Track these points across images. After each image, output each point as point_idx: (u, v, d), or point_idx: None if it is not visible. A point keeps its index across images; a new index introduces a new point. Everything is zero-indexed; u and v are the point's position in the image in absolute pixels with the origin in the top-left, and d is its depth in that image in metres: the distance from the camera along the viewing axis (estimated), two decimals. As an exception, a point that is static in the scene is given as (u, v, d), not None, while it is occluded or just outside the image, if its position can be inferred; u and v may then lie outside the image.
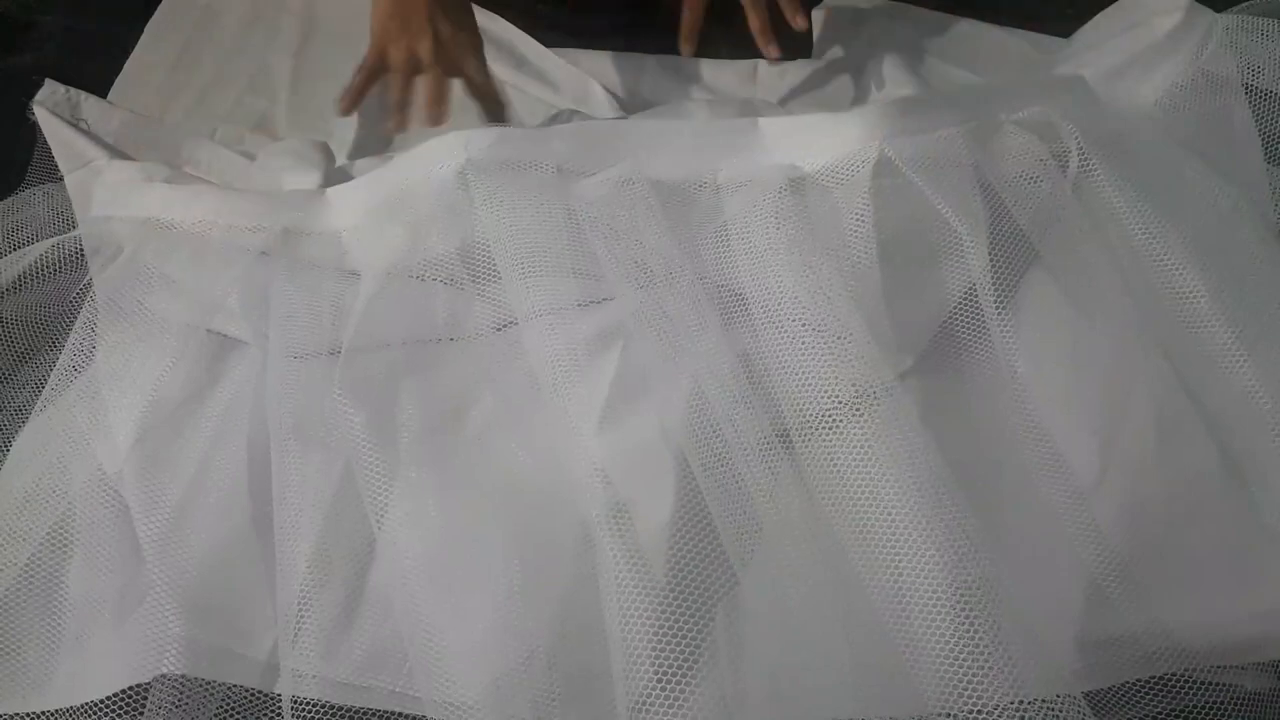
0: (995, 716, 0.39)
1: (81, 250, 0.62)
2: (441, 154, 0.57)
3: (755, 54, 0.75)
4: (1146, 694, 0.45)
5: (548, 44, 0.80)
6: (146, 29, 0.85)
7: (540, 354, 0.51)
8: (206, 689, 0.48)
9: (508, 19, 0.82)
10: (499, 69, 0.81)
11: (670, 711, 0.41)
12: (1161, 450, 0.47)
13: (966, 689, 0.39)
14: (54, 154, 0.70)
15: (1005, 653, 0.40)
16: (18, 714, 0.48)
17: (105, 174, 0.67)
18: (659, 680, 0.42)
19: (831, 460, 0.46)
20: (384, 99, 0.80)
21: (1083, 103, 0.58)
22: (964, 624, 0.40)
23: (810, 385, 0.47)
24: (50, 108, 0.73)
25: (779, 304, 0.50)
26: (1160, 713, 0.45)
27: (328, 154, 0.69)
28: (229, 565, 0.50)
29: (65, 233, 0.64)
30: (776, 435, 0.47)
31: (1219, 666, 0.45)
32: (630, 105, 0.77)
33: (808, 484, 0.46)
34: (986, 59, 0.77)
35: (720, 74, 0.79)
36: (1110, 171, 0.53)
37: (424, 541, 0.47)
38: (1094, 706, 0.42)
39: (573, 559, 0.47)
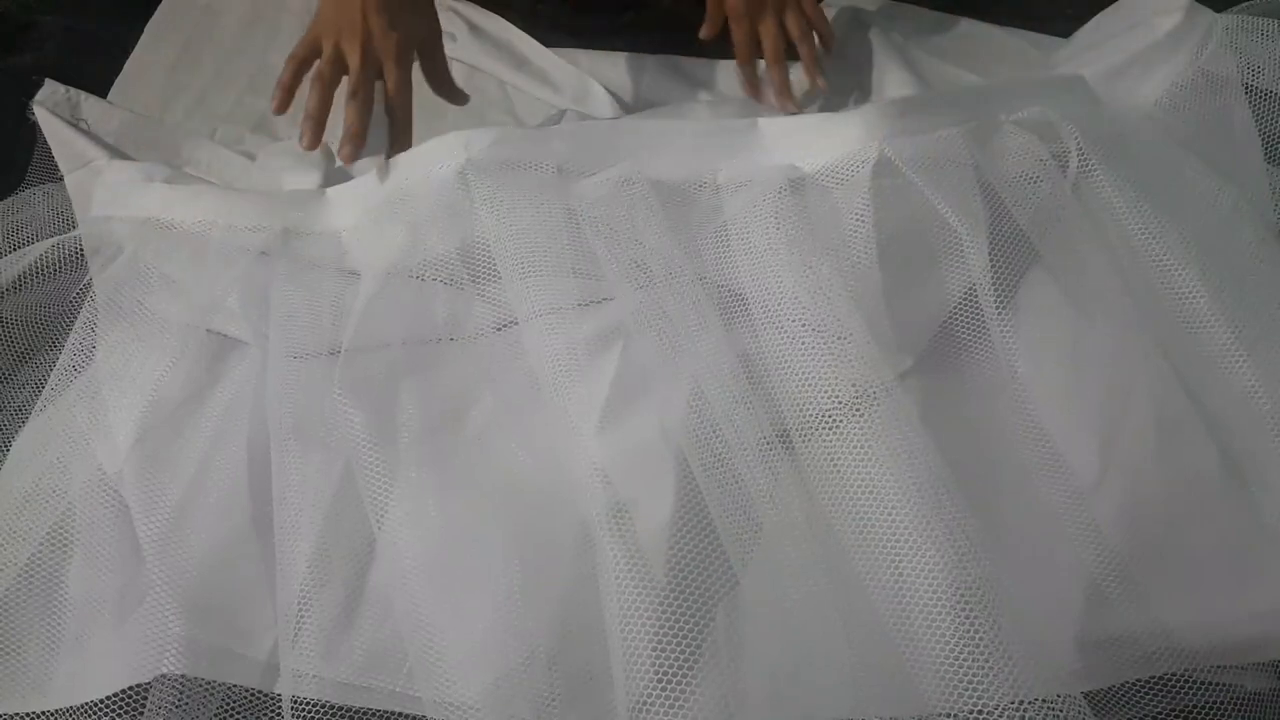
0: (995, 716, 0.39)
1: (81, 250, 0.62)
2: (441, 154, 0.57)
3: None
4: (1146, 694, 0.45)
5: (548, 44, 0.80)
6: (146, 29, 0.85)
7: (540, 354, 0.51)
8: (206, 689, 0.48)
9: (508, 19, 0.82)
10: (499, 69, 0.81)
11: (670, 711, 0.41)
12: (1161, 450, 0.47)
13: (967, 689, 0.39)
14: (54, 154, 0.70)
15: (1005, 653, 0.40)
16: (18, 714, 0.48)
17: (105, 174, 0.67)
18: (659, 680, 0.42)
19: (831, 460, 0.46)
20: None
21: (1083, 103, 0.58)
22: (964, 624, 0.40)
23: (810, 385, 0.47)
24: (50, 108, 0.73)
25: (779, 304, 0.50)
26: (1160, 713, 0.45)
27: (328, 154, 0.69)
28: (229, 565, 0.50)
29: (65, 233, 0.64)
30: (777, 435, 0.47)
31: (1219, 666, 0.45)
32: (630, 105, 0.77)
33: (808, 484, 0.46)
34: (986, 59, 0.77)
35: (720, 74, 0.79)
36: (1110, 171, 0.53)
37: (424, 541, 0.47)
38: (1094, 706, 0.42)
39: (573, 559, 0.47)
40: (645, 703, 0.41)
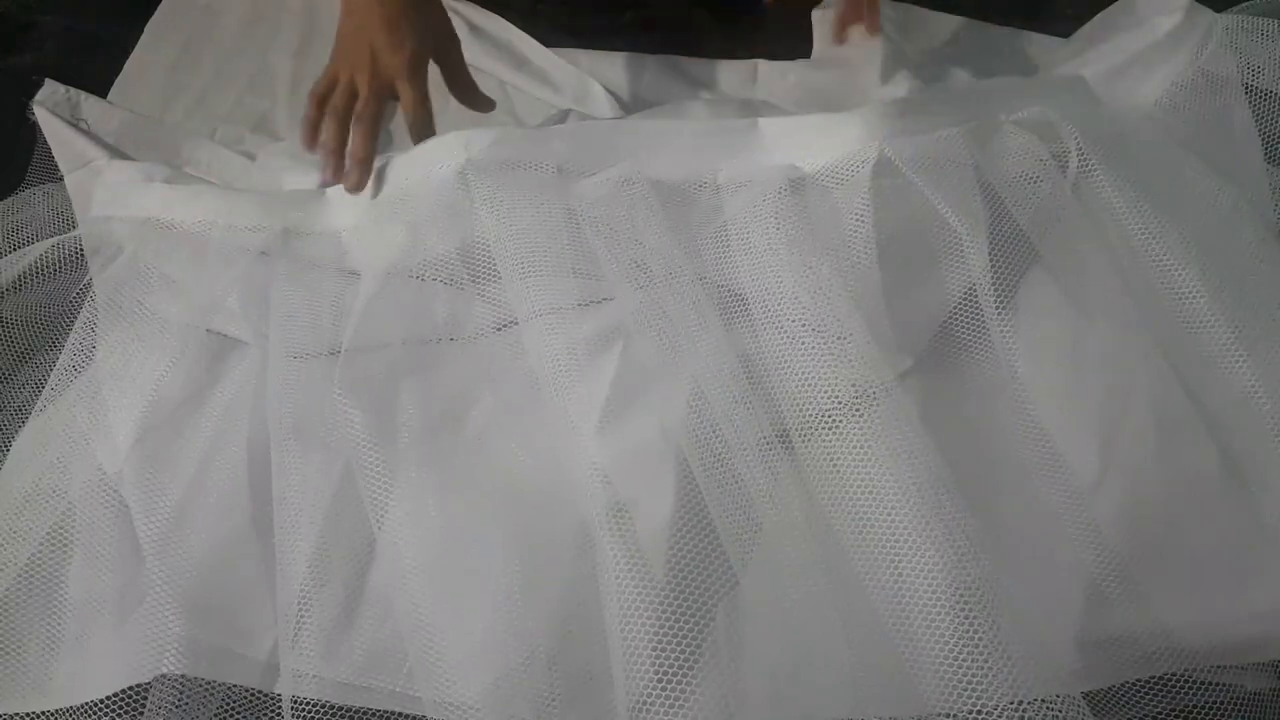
0: (995, 716, 0.39)
1: (81, 250, 0.62)
2: (441, 154, 0.57)
3: (755, 54, 0.76)
4: (1146, 694, 0.45)
5: (548, 44, 0.80)
6: (146, 29, 0.85)
7: (540, 354, 0.51)
8: (206, 689, 0.48)
9: (508, 19, 0.82)
10: (499, 69, 0.81)
11: (670, 712, 0.41)
12: (1161, 450, 0.47)
13: (966, 689, 0.39)
14: (54, 154, 0.71)
15: (1005, 653, 0.40)
16: (18, 714, 0.48)
17: (105, 174, 0.67)
18: (659, 680, 0.42)
19: (831, 460, 0.46)
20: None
21: (1083, 103, 0.58)
22: (964, 624, 0.40)
23: (810, 385, 0.47)
24: (50, 108, 0.73)
25: (779, 304, 0.50)
26: (1160, 712, 0.45)
27: (328, 154, 0.69)
28: (229, 565, 0.50)
29: (65, 233, 0.64)
30: (776, 435, 0.47)
31: (1219, 666, 0.45)
32: (630, 105, 0.77)
33: (808, 484, 0.46)
34: (986, 59, 0.77)
35: (720, 74, 0.79)
36: (1110, 171, 0.53)
37: (424, 541, 0.47)
38: (1094, 706, 0.42)
39: (573, 559, 0.47)
40: (645, 702, 0.41)
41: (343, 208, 0.61)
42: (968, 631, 0.40)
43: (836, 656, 0.42)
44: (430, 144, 0.58)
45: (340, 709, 0.47)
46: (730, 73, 0.78)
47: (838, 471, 0.45)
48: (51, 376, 0.57)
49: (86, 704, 0.47)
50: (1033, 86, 0.58)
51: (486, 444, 0.52)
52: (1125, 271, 0.51)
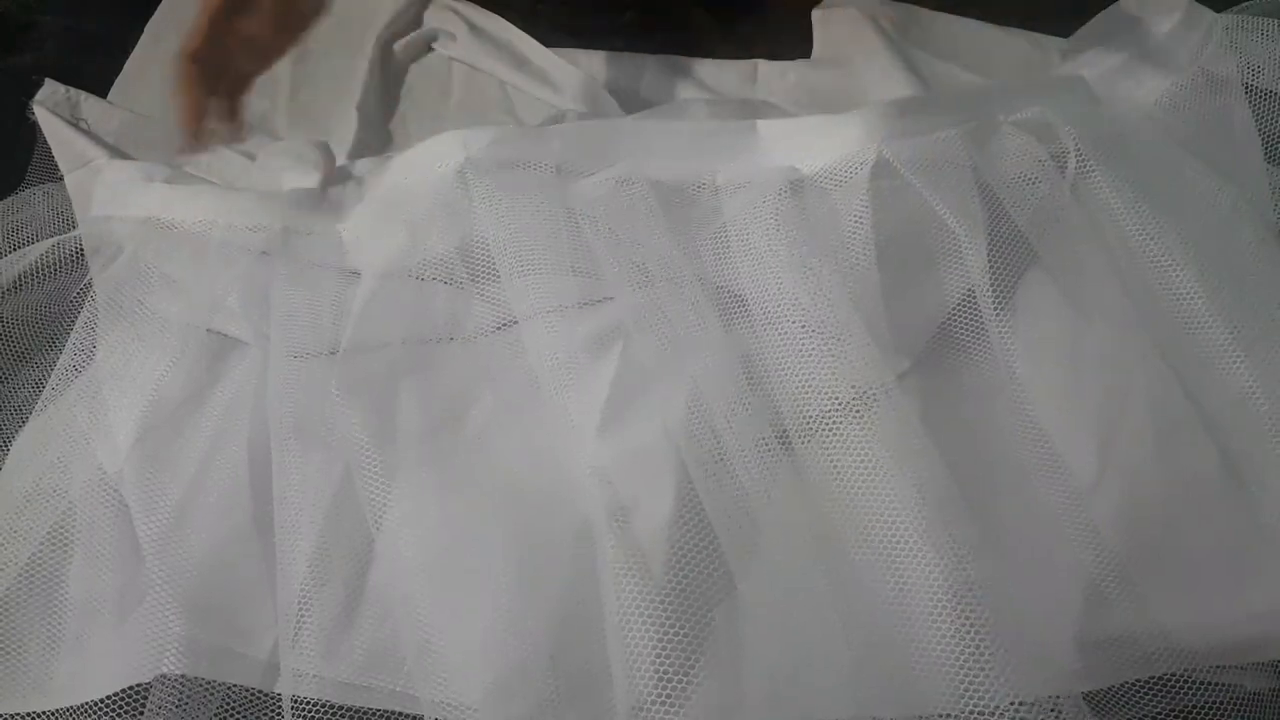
0: (995, 717, 0.39)
1: (81, 250, 0.62)
2: (440, 153, 0.57)
3: (755, 54, 0.75)
4: (1146, 694, 0.45)
5: (548, 44, 0.80)
6: (146, 29, 0.85)
7: (540, 353, 0.51)
8: (207, 689, 0.48)
9: (508, 19, 0.82)
10: (499, 69, 0.81)
11: (670, 712, 0.41)
12: (1160, 451, 0.47)
13: (966, 690, 0.39)
14: (54, 154, 0.70)
15: (1005, 653, 0.40)
16: (18, 714, 0.48)
17: (105, 174, 0.67)
18: (659, 680, 0.42)
19: (831, 461, 0.46)
20: (383, 97, 0.80)
21: (1082, 103, 0.58)
22: (963, 625, 0.40)
23: (809, 386, 0.47)
24: (50, 107, 0.73)
25: (778, 305, 0.50)
26: (1160, 713, 0.45)
27: (328, 154, 0.69)
28: (229, 565, 0.50)
29: (65, 233, 0.64)
30: (776, 436, 0.47)
31: (1219, 666, 0.45)
32: (630, 105, 0.76)
33: (807, 485, 0.46)
34: (986, 59, 0.77)
35: (720, 74, 0.78)
36: (1109, 172, 0.53)
37: (424, 541, 0.47)
38: (1094, 707, 0.42)
39: (573, 559, 0.47)
40: (645, 702, 0.41)
41: (343, 207, 0.61)
42: (968, 632, 0.40)
43: (836, 657, 0.42)
44: (429, 143, 0.58)
45: (340, 709, 0.47)
46: (730, 73, 0.78)
47: (837, 472, 0.45)
48: (51, 376, 0.57)
49: (86, 704, 0.47)
50: (1032, 87, 0.58)
51: (486, 443, 0.52)
52: (1124, 272, 0.51)
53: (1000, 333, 0.50)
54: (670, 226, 0.54)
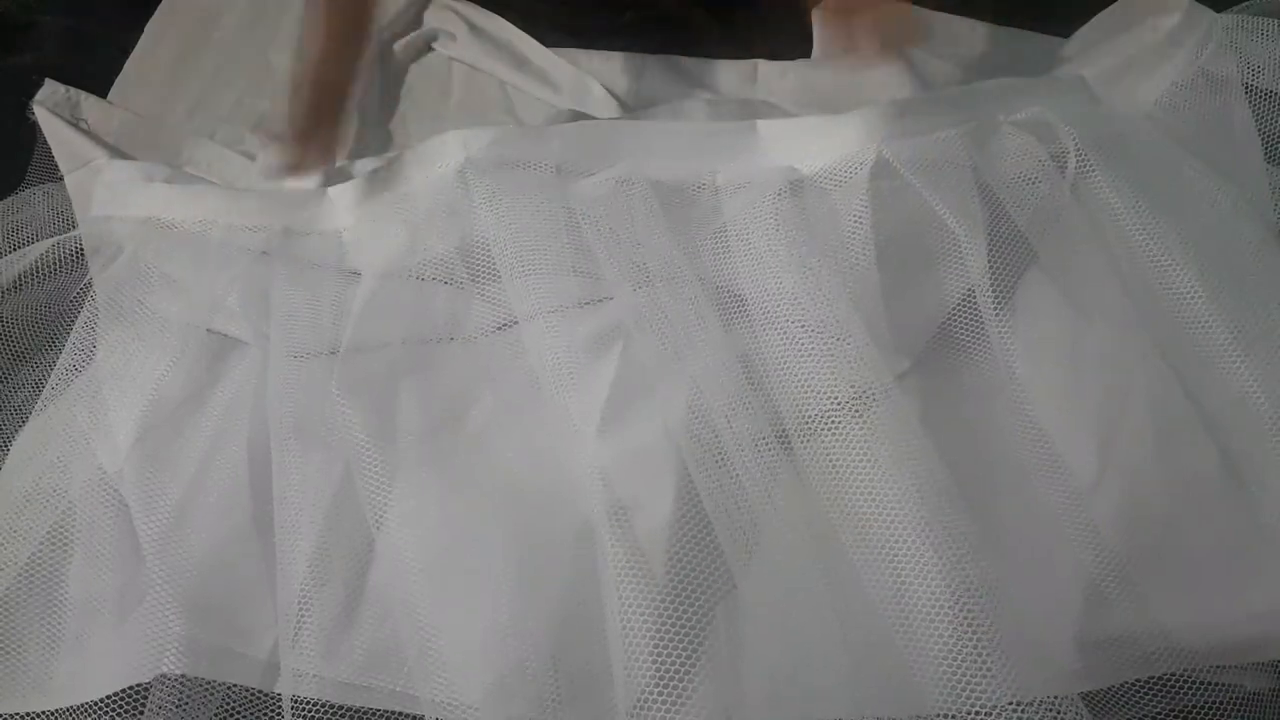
0: (994, 717, 0.39)
1: (81, 250, 0.62)
2: (441, 153, 0.57)
3: (755, 54, 0.75)
4: (1146, 694, 0.45)
5: (548, 44, 0.80)
6: (146, 29, 0.85)
7: (540, 353, 0.51)
8: (207, 689, 0.48)
9: (508, 19, 0.82)
10: (499, 69, 0.81)
11: (671, 711, 0.41)
12: (1160, 451, 0.47)
13: (965, 690, 0.39)
14: (54, 154, 0.71)
15: (1003, 653, 0.40)
16: (18, 714, 0.48)
17: (105, 174, 0.67)
18: (659, 680, 0.42)
19: (830, 461, 0.46)
20: (383, 97, 0.80)
21: (1082, 103, 0.58)
22: (962, 625, 0.40)
23: (809, 386, 0.48)
24: (50, 107, 0.73)
25: (778, 305, 0.50)
26: (1160, 713, 0.45)
27: (328, 154, 0.69)
28: (229, 565, 0.50)
29: (65, 233, 0.64)
30: (776, 436, 0.47)
31: (1218, 666, 0.45)
32: (630, 105, 0.77)
33: (807, 485, 0.46)
34: (986, 59, 0.77)
35: (720, 74, 0.78)
36: (1109, 172, 0.53)
37: (424, 541, 0.47)
38: (1094, 706, 0.42)
39: (573, 559, 0.47)
40: (645, 702, 0.41)
41: (343, 207, 0.61)
42: (966, 632, 0.40)
43: (835, 657, 0.42)
44: (430, 143, 0.58)
45: (340, 709, 0.47)
46: (730, 73, 0.78)
47: (837, 472, 0.45)
48: (51, 376, 0.57)
49: (86, 704, 0.47)
50: (1032, 87, 0.58)
51: (486, 444, 0.52)
52: (1124, 272, 0.51)
53: (1000, 333, 0.50)
54: (670, 226, 0.54)
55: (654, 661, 0.42)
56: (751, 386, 0.48)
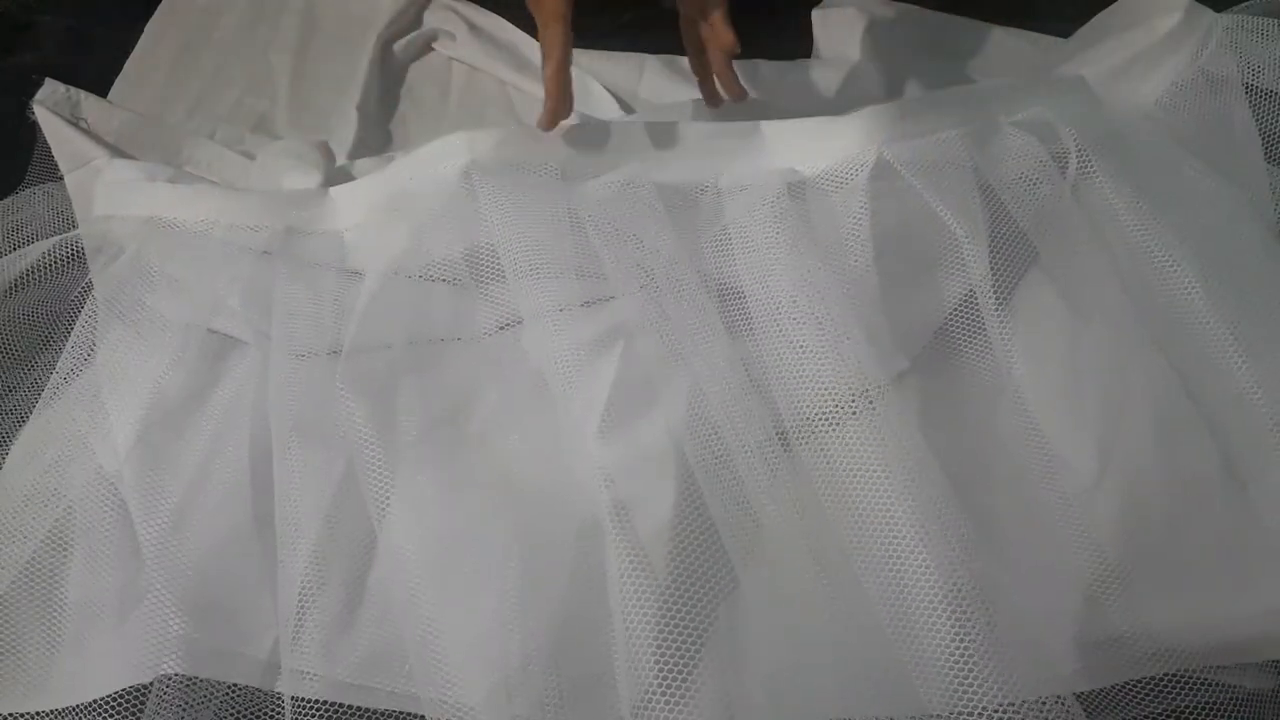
0: (991, 717, 0.39)
1: (82, 250, 0.62)
2: (445, 154, 0.57)
3: (755, 54, 0.75)
4: (1145, 694, 0.45)
5: (548, 44, 0.80)
6: (146, 29, 0.85)
7: (543, 354, 0.51)
8: (207, 689, 0.48)
9: (508, 19, 0.82)
10: (499, 69, 0.81)
11: (673, 710, 0.41)
12: (1160, 451, 0.47)
13: (963, 690, 0.39)
14: (54, 154, 0.71)
15: (1001, 654, 0.40)
16: (17, 714, 0.48)
17: (105, 174, 0.67)
18: (661, 679, 0.42)
19: (830, 461, 0.46)
20: (384, 98, 0.80)
21: (1082, 103, 0.58)
22: (960, 625, 0.40)
23: (809, 387, 0.48)
24: (50, 107, 0.73)
25: (779, 306, 0.50)
26: (1159, 713, 0.45)
27: (328, 154, 0.70)
28: (229, 565, 0.50)
29: (65, 232, 0.64)
30: (776, 436, 0.47)
31: (1217, 666, 0.45)
32: (630, 105, 0.77)
33: (807, 485, 0.46)
34: (986, 59, 0.77)
35: (720, 74, 0.78)
36: (1109, 172, 0.53)
37: (425, 541, 0.47)
38: (1093, 707, 0.42)
39: (575, 559, 0.47)
40: (647, 701, 0.42)
41: (346, 207, 0.61)
42: (964, 632, 0.40)
43: (835, 657, 0.43)
44: (434, 144, 0.58)
45: (340, 708, 0.47)
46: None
47: (836, 472, 0.46)
48: (51, 376, 0.57)
49: (86, 704, 0.47)
50: (1032, 87, 0.58)
51: (489, 443, 0.52)
52: (1123, 272, 0.51)
53: (1000, 333, 0.50)
54: (673, 228, 0.54)
55: (657, 660, 0.42)
56: (752, 386, 0.48)
